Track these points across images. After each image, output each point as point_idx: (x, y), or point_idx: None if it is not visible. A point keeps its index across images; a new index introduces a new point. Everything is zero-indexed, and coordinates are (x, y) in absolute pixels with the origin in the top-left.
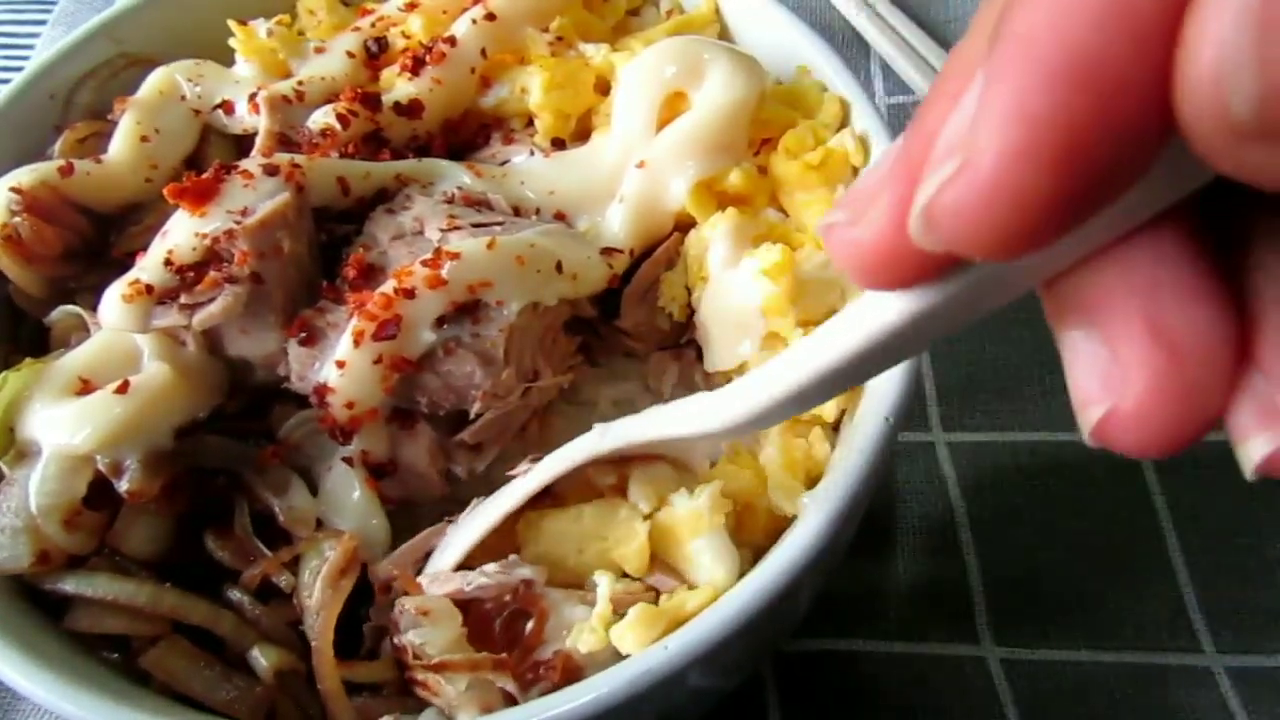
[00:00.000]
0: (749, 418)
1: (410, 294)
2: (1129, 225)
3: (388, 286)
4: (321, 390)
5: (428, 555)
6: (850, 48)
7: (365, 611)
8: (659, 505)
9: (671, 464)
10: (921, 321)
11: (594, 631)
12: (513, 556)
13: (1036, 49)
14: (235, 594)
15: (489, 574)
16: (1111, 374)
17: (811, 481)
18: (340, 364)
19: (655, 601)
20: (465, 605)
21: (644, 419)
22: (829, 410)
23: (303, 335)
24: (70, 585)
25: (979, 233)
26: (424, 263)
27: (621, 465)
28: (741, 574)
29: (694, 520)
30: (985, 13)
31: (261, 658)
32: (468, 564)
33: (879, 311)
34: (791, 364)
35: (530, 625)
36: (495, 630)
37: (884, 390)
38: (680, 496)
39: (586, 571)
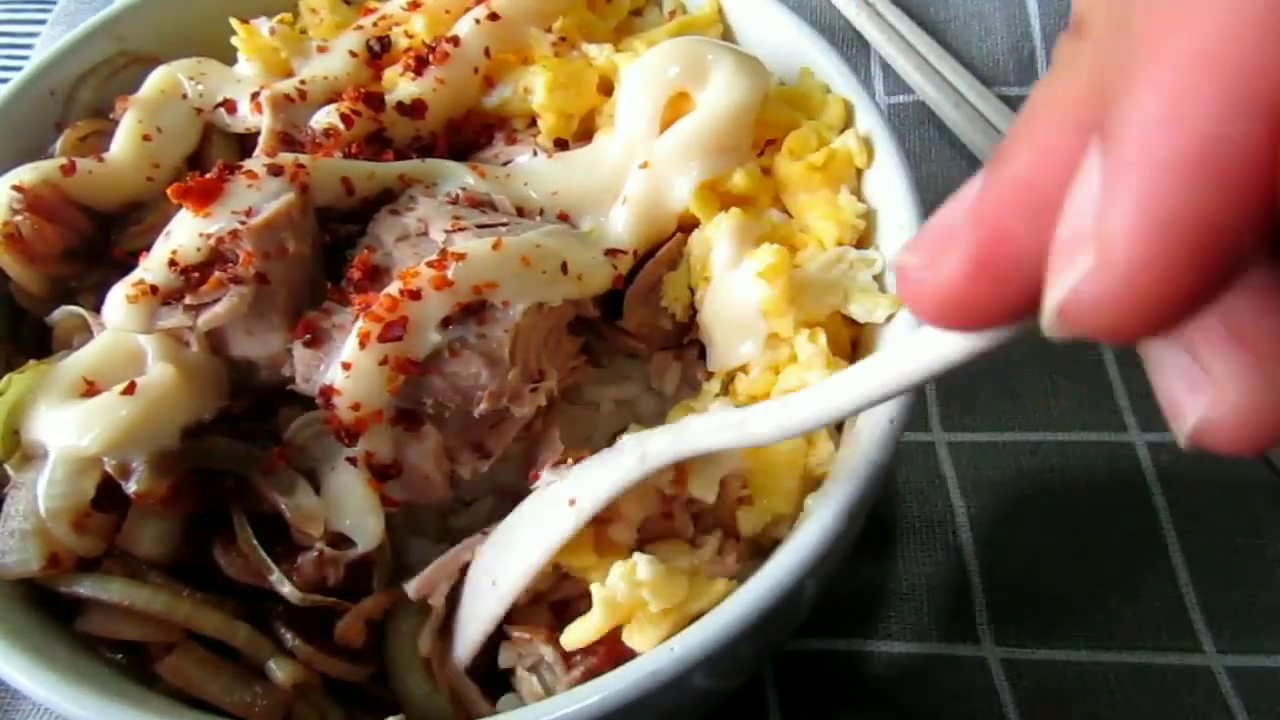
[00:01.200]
0: (791, 432)
1: (416, 295)
2: None
3: (393, 288)
4: (327, 392)
5: (462, 571)
6: (851, 48)
7: None
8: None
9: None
10: (980, 357)
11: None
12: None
13: (1164, 142)
14: (285, 635)
15: None
16: (1199, 381)
17: (815, 481)
18: (346, 365)
19: None
20: None
21: (683, 434)
22: None
23: (308, 337)
24: (86, 588)
25: (1114, 325)
26: (429, 264)
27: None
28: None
29: None
30: (1071, 51)
31: (278, 670)
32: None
33: (940, 347)
34: (847, 386)
35: None
36: None
37: None
38: None
39: None
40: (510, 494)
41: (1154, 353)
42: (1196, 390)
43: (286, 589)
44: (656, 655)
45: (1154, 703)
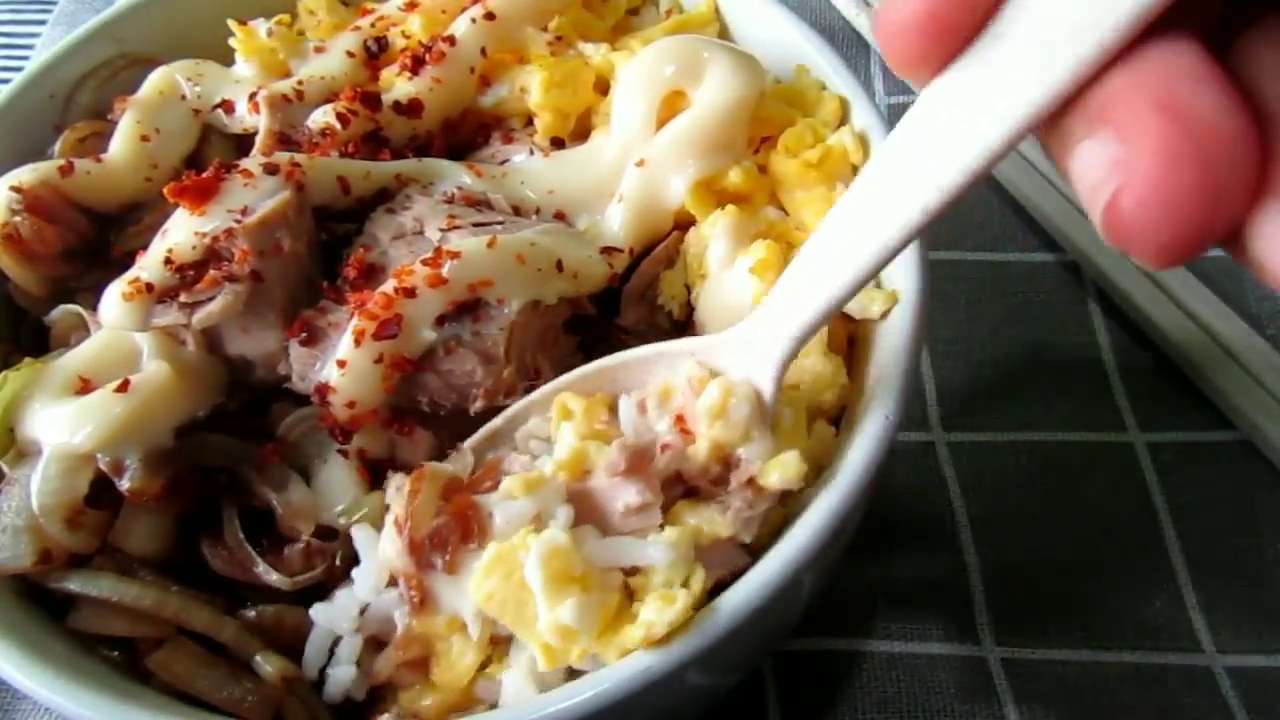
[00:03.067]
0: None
1: (411, 293)
2: (1139, 25)
3: (388, 286)
4: (323, 390)
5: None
6: (850, 47)
7: None
8: None
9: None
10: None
11: None
12: None
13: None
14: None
15: None
16: (1120, 157)
17: (815, 473)
18: (341, 364)
19: None
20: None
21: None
22: (830, 406)
23: (304, 335)
24: (75, 585)
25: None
26: (424, 262)
27: None
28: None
29: None
30: None
31: (266, 664)
32: None
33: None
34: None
35: None
36: None
37: (884, 388)
38: None
39: None
40: None
41: (1077, 154)
42: (1117, 166)
43: (274, 578)
44: (651, 651)
45: (1154, 703)
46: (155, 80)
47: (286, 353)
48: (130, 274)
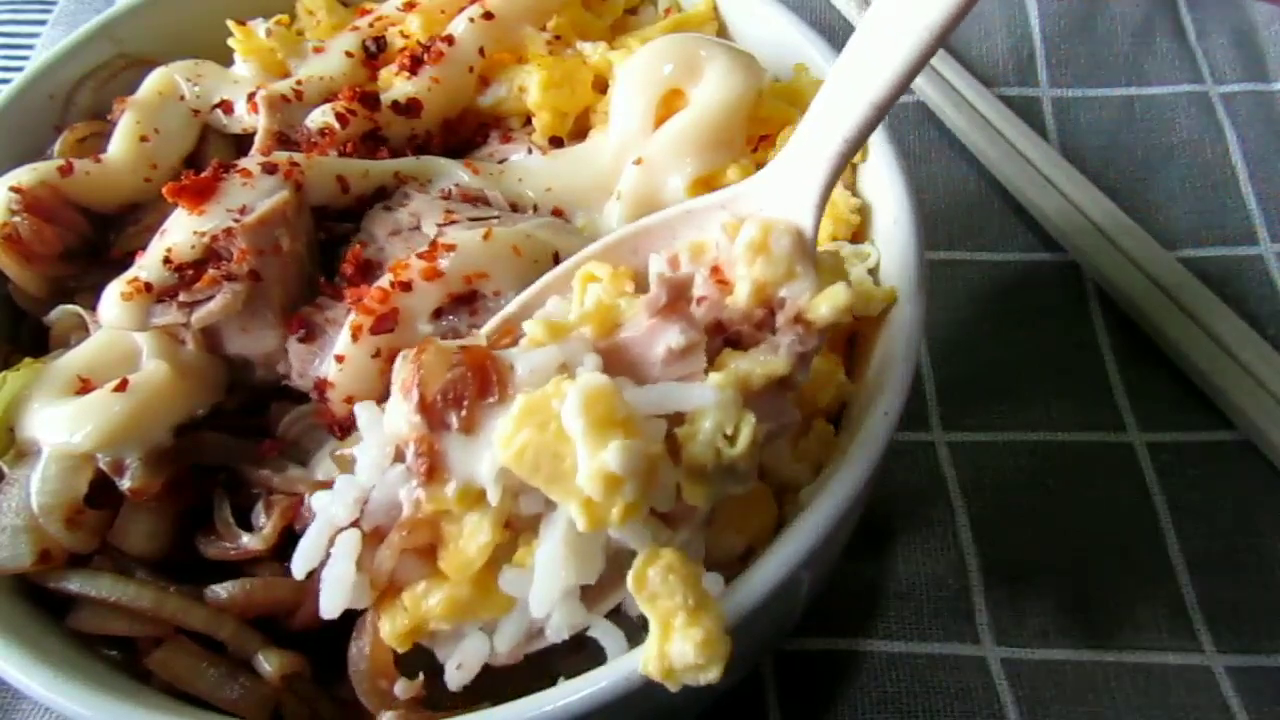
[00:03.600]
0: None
1: (407, 286)
2: None
3: (385, 280)
4: (321, 385)
5: None
6: None
7: None
8: None
9: None
10: None
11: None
12: None
13: None
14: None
15: None
16: None
17: (814, 471)
18: (339, 359)
19: None
20: None
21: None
22: (829, 403)
23: (302, 332)
24: (75, 585)
25: None
26: (420, 255)
27: None
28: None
29: None
30: None
31: (266, 662)
32: None
33: None
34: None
35: None
36: None
37: (882, 385)
38: None
39: None
40: None
41: None
42: None
43: (256, 542)
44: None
45: (1154, 703)
46: (154, 81)
47: (285, 351)
48: (129, 274)
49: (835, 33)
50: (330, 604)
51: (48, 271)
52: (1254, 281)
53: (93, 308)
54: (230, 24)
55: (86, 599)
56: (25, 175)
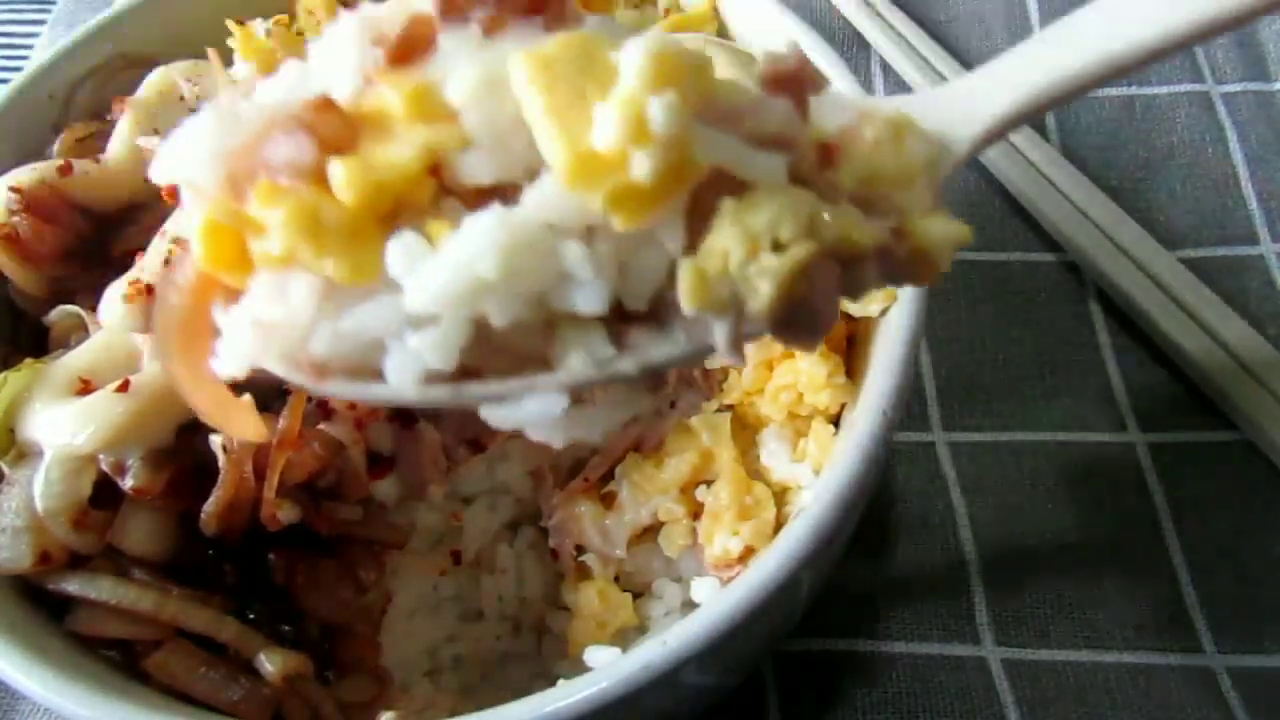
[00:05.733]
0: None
1: None
2: None
3: None
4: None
5: None
6: (851, 47)
7: None
8: None
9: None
10: None
11: None
12: None
13: None
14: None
15: None
16: None
17: (815, 471)
18: None
19: None
20: None
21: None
22: (828, 403)
23: None
24: (74, 586)
25: None
26: None
27: None
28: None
29: None
30: None
31: (268, 663)
32: None
33: None
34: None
35: None
36: None
37: (881, 384)
38: None
39: None
40: (508, 492)
41: None
42: None
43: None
44: (650, 648)
45: (1154, 703)
46: (154, 81)
47: None
48: (130, 275)
49: (835, 33)
50: None
51: (47, 272)
52: (1255, 281)
53: (93, 308)
54: (230, 24)
55: (86, 601)
56: (25, 175)
